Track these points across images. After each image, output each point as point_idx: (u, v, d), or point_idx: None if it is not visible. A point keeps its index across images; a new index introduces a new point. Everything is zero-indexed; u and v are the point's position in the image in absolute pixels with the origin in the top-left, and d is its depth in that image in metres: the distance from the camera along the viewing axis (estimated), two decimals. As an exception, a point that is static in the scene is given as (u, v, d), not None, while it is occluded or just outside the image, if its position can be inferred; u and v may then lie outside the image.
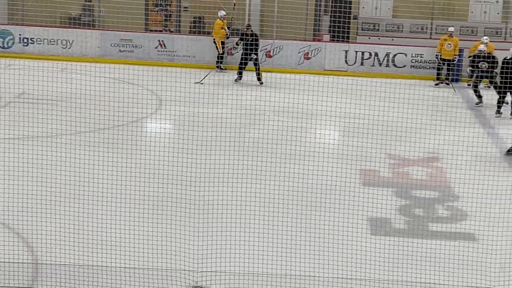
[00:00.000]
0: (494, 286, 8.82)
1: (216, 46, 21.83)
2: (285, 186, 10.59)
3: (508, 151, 14.14)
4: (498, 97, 18.02)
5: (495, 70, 18.30)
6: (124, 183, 9.84)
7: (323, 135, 14.11)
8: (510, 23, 24.58)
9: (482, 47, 19.03)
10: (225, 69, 21.83)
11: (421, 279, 8.90)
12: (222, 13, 21.93)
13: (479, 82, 18.42)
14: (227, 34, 21.84)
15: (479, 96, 18.41)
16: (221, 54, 21.87)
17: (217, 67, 21.72)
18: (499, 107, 18.03)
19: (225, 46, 21.98)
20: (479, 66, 18.29)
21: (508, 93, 17.91)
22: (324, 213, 9.79)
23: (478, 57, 18.69)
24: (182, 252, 8.92)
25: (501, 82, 17.70)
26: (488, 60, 18.45)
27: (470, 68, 19.26)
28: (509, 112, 18.06)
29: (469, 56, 21.43)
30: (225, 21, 21.96)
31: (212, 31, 22.09)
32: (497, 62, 18.33)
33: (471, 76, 19.72)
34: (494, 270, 9.01)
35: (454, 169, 11.21)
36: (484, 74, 18.36)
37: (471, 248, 9.72)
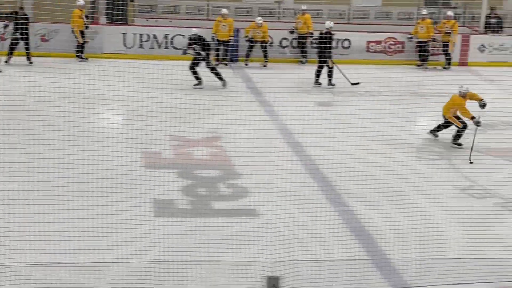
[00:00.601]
0: (272, 258, 9.07)
1: (75, 36, 21.34)
2: (66, 172, 10.33)
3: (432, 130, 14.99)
4: (317, 69, 19.27)
5: (208, 52, 18.89)
6: None
7: (104, 119, 13.85)
8: (283, 3, 25.48)
9: (194, 30, 19.42)
10: (87, 58, 20.98)
11: (206, 256, 9.13)
12: (80, 2, 21.32)
13: (197, 65, 18.84)
14: (85, 24, 21.36)
15: (197, 78, 18.74)
16: (81, 43, 21.31)
17: (77, 56, 21.09)
18: (317, 76, 19.26)
19: (85, 35, 21.47)
20: (194, 49, 18.75)
21: (325, 66, 19.14)
22: (107, 198, 9.62)
23: (191, 39, 19.08)
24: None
25: (320, 55, 19.26)
26: (199, 42, 18.90)
27: (185, 49, 19.63)
28: (327, 83, 19.30)
29: (245, 36, 22.00)
30: (83, 10, 21.44)
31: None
32: (208, 44, 19.00)
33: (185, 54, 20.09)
34: (273, 242, 9.29)
35: (234, 147, 11.40)
36: (201, 56, 18.82)
37: (253, 223, 10.02)
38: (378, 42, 23.81)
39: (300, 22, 23.03)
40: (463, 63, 23.90)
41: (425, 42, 22.82)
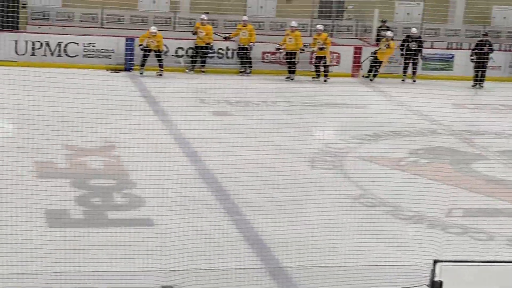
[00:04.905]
0: (167, 268, 8.88)
1: None
2: None
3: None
4: None
5: None
6: None
7: None
8: (179, 12, 25.36)
9: None
10: None
11: (100, 267, 8.93)
12: None
13: None
14: None
15: None
16: None
17: None
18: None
19: None
20: None
21: None
22: None
23: None
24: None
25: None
26: None
27: None
28: None
29: (139, 45, 21.89)
30: None
31: None
32: None
33: None
34: (168, 252, 9.10)
35: (130, 156, 11.29)
36: None
37: (148, 232, 9.89)
38: (273, 53, 23.43)
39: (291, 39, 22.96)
40: (355, 75, 23.57)
41: (293, 53, 22.66)
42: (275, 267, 9.49)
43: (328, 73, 22.77)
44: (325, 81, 22.70)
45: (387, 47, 23.21)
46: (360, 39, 26.34)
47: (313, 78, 22.84)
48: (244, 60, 22.88)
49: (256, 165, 11.25)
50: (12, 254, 8.84)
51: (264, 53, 23.37)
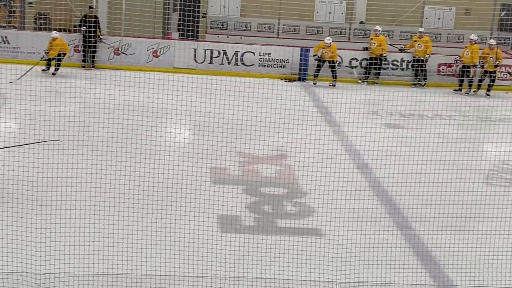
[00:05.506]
0: (337, 280, 8.97)
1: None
2: (135, 184, 10.62)
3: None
4: None
5: None
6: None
7: (173, 133, 14.12)
8: (354, 23, 24.81)
9: None
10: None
11: (270, 274, 9.06)
12: None
13: None
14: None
15: None
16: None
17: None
18: None
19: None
20: None
21: None
22: (173, 211, 9.87)
23: None
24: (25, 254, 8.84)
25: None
26: None
27: None
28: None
29: (314, 55, 21.63)
30: None
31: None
32: None
33: None
34: (338, 263, 9.18)
35: (301, 166, 11.34)
36: None
37: (317, 243, 9.92)
38: (449, 66, 22.80)
39: (469, 52, 22.41)
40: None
41: (468, 67, 21.98)
42: (446, 285, 9.28)
43: (491, 88, 22.14)
44: (487, 94, 22.01)
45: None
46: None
47: (474, 91, 22.25)
48: (419, 72, 22.56)
49: (429, 180, 11.04)
50: (186, 257, 9.09)
51: (440, 65, 22.97)
